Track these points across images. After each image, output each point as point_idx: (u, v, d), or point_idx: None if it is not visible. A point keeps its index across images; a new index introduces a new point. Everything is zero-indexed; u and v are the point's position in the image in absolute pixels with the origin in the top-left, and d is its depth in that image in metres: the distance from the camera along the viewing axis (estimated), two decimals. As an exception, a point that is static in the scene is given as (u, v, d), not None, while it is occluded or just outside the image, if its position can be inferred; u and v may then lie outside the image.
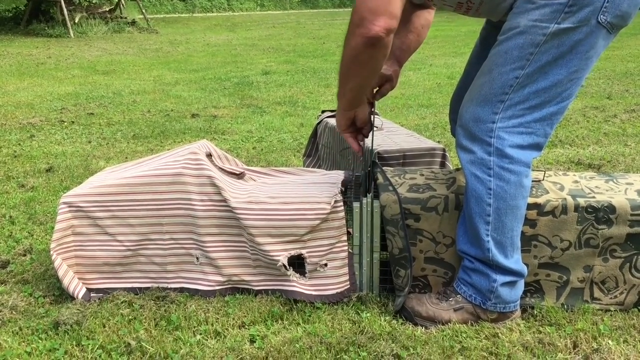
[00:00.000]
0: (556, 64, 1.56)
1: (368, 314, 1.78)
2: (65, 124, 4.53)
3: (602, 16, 1.52)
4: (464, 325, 1.72)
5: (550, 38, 1.53)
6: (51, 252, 1.85)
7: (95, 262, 1.90)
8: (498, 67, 1.60)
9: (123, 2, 13.98)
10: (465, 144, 1.67)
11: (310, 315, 1.79)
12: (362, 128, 1.87)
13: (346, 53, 1.60)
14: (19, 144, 3.92)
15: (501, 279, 1.69)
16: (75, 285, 1.87)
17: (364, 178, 2.04)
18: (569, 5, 1.51)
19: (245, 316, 1.78)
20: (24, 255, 2.22)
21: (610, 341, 1.64)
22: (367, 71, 1.63)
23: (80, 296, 1.87)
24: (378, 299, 1.86)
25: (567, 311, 1.79)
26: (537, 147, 1.64)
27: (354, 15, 1.55)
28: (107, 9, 13.44)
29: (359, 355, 1.58)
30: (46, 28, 11.80)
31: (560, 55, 1.55)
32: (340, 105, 1.78)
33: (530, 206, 1.73)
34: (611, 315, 1.78)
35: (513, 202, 1.64)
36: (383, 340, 1.65)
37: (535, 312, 1.79)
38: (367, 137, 1.90)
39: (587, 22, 1.52)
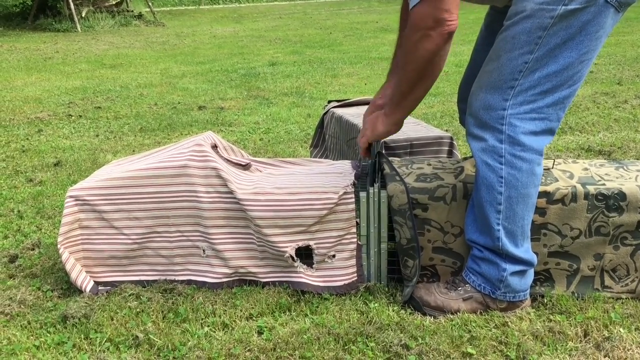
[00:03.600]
0: (566, 47, 1.53)
1: (376, 305, 1.77)
2: (73, 118, 4.54)
3: None
4: (473, 314, 1.71)
5: (558, 20, 1.51)
6: (58, 246, 1.85)
7: (102, 255, 1.90)
8: (506, 52, 1.58)
9: (129, -4, 13.95)
10: (476, 132, 1.65)
11: (317, 307, 1.78)
12: None
13: (420, 59, 1.59)
14: (27, 139, 3.93)
15: (511, 268, 1.67)
16: (83, 279, 1.87)
17: (370, 168, 2.03)
18: None
19: (252, 308, 1.77)
20: (32, 249, 2.23)
21: (621, 329, 1.62)
22: (439, 69, 1.63)
23: (88, 289, 1.87)
24: (386, 289, 1.85)
25: (577, 299, 1.77)
26: (550, 132, 1.62)
27: (425, 20, 1.53)
28: (114, 3, 13.42)
29: (367, 346, 1.57)
30: (53, 23, 11.82)
31: (570, 37, 1.52)
32: (394, 119, 1.77)
33: (539, 194, 1.70)
34: (622, 303, 1.76)
35: (524, 191, 1.62)
36: (391, 330, 1.64)
37: (546, 300, 1.77)
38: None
39: (595, 1, 1.49)
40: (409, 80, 1.65)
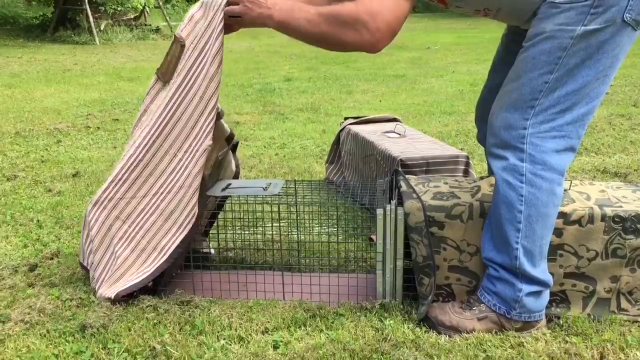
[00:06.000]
0: (584, 66, 1.56)
1: (391, 322, 1.78)
2: (91, 129, 4.60)
3: (627, 14, 1.52)
4: (489, 334, 1.71)
5: (577, 41, 1.53)
6: (101, 254, 1.88)
7: (152, 230, 1.91)
8: (526, 73, 1.60)
9: (147, 10, 14.15)
10: (497, 152, 1.67)
11: (333, 322, 1.79)
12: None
13: (336, 33, 1.64)
14: (46, 149, 3.99)
15: (527, 288, 1.67)
16: (108, 287, 1.89)
17: (387, 185, 2.04)
18: (594, 7, 1.51)
19: (268, 322, 1.79)
20: (52, 258, 2.26)
21: (638, 352, 1.61)
22: (329, 48, 1.70)
23: (112, 297, 1.87)
24: (401, 306, 1.86)
25: (593, 321, 1.77)
26: (572, 149, 1.64)
27: (368, 19, 1.59)
28: (132, 17, 13.63)
29: (383, 363, 1.58)
30: (72, 35, 12.00)
31: (588, 56, 1.55)
32: (274, 21, 1.73)
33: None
34: (639, 326, 1.75)
35: (544, 210, 1.63)
36: (407, 347, 1.64)
37: (561, 322, 1.77)
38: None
39: (613, 21, 1.52)
40: (317, 27, 1.67)
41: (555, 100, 1.59)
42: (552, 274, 1.73)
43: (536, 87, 1.59)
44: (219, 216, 2.27)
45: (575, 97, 1.58)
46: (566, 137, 1.62)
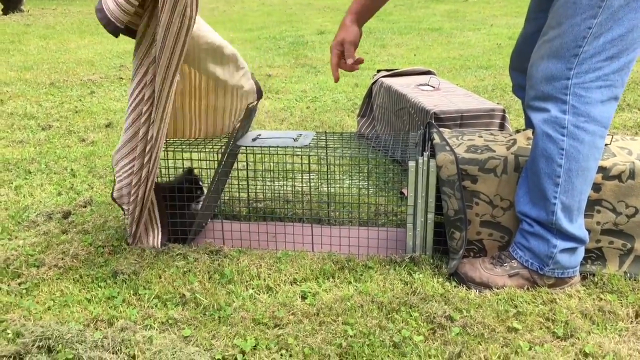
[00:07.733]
0: (629, 8, 1.47)
1: (421, 275, 1.76)
2: (124, 81, 4.62)
3: None
4: (521, 289, 1.68)
5: None
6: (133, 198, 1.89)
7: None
8: (568, 19, 1.51)
9: (180, -39, 14.00)
10: (538, 105, 1.60)
11: (361, 275, 1.78)
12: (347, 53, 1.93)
13: None
14: (80, 100, 4.02)
15: (562, 244, 1.63)
16: (151, 235, 1.92)
17: (419, 138, 2.00)
18: None
19: (296, 273, 1.79)
20: (85, 206, 2.29)
21: (675, 312, 1.57)
22: None
23: (157, 244, 1.91)
24: (431, 260, 1.83)
25: (629, 280, 1.72)
26: (615, 99, 1.56)
27: None
28: (165, -32, 13.52)
29: (411, 316, 1.57)
30: (106, -13, 11.98)
31: None
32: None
33: (595, 170, 1.65)
34: (677, 286, 1.70)
35: (585, 164, 1.57)
36: (435, 301, 1.62)
37: (596, 279, 1.72)
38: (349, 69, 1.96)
39: None
40: None
41: (600, 47, 1.50)
42: (588, 230, 1.68)
43: (579, 34, 1.51)
44: (250, 167, 2.26)
45: (622, 43, 1.50)
46: (611, 87, 1.54)
